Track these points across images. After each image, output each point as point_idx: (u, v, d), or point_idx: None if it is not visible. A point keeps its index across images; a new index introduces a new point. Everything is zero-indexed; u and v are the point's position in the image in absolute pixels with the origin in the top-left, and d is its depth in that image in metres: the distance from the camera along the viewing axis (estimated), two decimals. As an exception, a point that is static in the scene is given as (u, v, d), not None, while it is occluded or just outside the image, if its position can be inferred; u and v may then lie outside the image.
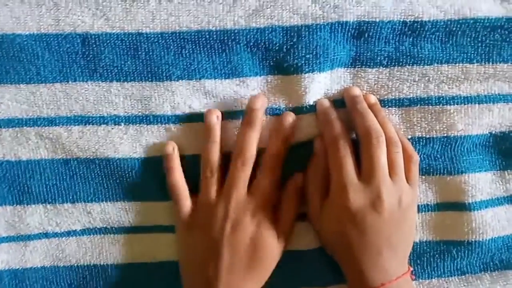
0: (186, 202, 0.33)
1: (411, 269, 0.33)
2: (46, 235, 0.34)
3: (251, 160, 0.31)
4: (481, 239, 0.35)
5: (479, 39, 0.33)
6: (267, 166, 0.32)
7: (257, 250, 0.31)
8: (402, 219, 0.31)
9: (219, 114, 0.33)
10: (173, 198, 0.33)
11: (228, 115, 0.33)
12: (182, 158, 0.33)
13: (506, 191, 0.36)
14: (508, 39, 0.33)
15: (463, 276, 0.36)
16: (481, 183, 0.35)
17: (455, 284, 0.36)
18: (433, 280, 0.36)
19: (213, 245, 0.31)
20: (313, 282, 0.36)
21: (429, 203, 0.35)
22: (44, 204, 0.34)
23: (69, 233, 0.34)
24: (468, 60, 0.33)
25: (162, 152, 0.33)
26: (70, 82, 0.32)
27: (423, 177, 0.35)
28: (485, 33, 0.33)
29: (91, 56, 0.32)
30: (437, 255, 0.36)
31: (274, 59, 0.32)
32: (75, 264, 0.35)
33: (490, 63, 0.33)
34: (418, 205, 0.35)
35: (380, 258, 0.31)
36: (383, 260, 0.31)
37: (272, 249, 0.32)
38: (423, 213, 0.36)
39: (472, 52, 0.33)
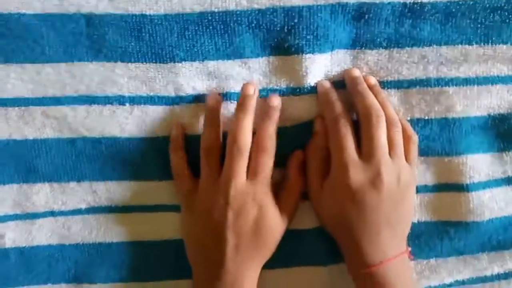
0: (188, 183, 0.33)
1: (409, 249, 0.34)
2: (52, 213, 0.35)
3: (246, 146, 0.31)
4: (478, 220, 0.36)
5: (479, 21, 0.33)
6: (260, 147, 0.32)
7: (261, 232, 0.31)
8: (401, 197, 0.32)
9: (220, 98, 0.33)
10: (175, 179, 0.34)
11: (230, 96, 0.34)
12: (185, 138, 0.34)
13: (504, 172, 0.36)
14: (507, 21, 0.33)
15: (460, 257, 0.37)
16: (479, 164, 0.35)
17: (453, 264, 0.37)
18: (431, 260, 0.37)
19: (217, 230, 0.31)
20: (313, 261, 0.36)
21: (427, 184, 0.36)
22: (50, 183, 0.34)
23: (74, 212, 0.35)
24: (468, 41, 0.33)
25: (166, 132, 0.34)
26: (75, 62, 0.32)
27: (422, 158, 0.35)
28: (485, 14, 0.33)
29: (95, 36, 0.32)
30: (435, 236, 0.36)
31: (275, 40, 0.33)
32: (81, 242, 0.35)
33: (490, 45, 0.33)
34: (417, 186, 0.35)
35: (379, 236, 0.31)
36: (382, 238, 0.31)
37: (276, 229, 0.32)
38: (422, 193, 0.36)
39: (472, 33, 0.33)
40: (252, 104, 0.32)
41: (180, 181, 0.34)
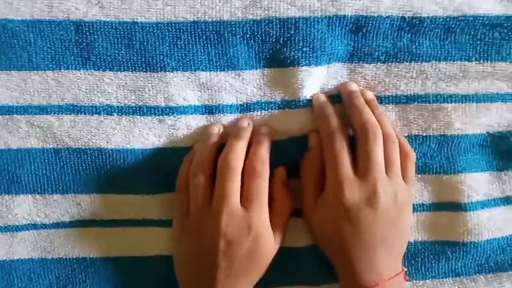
0: (185, 200, 0.32)
1: (405, 269, 0.33)
2: (34, 226, 0.34)
3: (238, 167, 0.30)
4: (476, 240, 0.35)
5: (478, 37, 0.33)
6: (252, 172, 0.30)
7: (253, 257, 0.30)
8: (397, 216, 0.31)
9: (221, 128, 0.33)
10: (177, 191, 0.33)
11: (222, 108, 0.33)
12: (175, 151, 0.33)
13: (503, 192, 0.36)
14: (507, 38, 0.33)
15: (457, 278, 0.36)
16: (478, 183, 0.35)
17: (449, 286, 0.36)
18: (427, 281, 0.36)
19: (208, 255, 0.30)
20: (307, 280, 0.35)
21: (424, 203, 0.35)
22: (33, 194, 0.33)
23: (58, 225, 0.34)
24: (467, 58, 0.33)
25: (155, 144, 0.33)
26: (62, 70, 0.31)
27: (419, 176, 0.35)
28: (484, 31, 0.32)
29: (84, 44, 0.31)
30: (431, 256, 0.36)
31: (271, 51, 0.32)
32: (64, 257, 0.34)
33: (489, 62, 0.33)
34: (413, 205, 0.35)
35: (374, 256, 0.30)
36: (378, 258, 0.30)
37: (269, 252, 0.31)
38: (418, 212, 0.35)
39: (471, 50, 0.33)
40: (247, 134, 0.32)
41: (181, 195, 0.32)
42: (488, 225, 0.35)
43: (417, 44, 0.33)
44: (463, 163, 0.34)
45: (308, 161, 0.33)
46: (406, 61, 0.33)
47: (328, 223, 0.31)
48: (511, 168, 0.35)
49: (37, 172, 0.33)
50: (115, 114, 0.32)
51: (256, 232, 0.30)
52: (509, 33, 0.33)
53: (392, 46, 0.33)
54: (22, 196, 0.33)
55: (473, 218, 0.35)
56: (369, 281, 0.30)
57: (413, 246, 0.35)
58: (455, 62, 0.33)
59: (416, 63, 0.33)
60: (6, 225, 0.34)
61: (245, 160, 0.31)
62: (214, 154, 0.32)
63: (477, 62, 0.33)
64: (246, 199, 0.30)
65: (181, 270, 0.32)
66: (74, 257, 0.34)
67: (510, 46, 0.33)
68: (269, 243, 0.31)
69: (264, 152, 0.31)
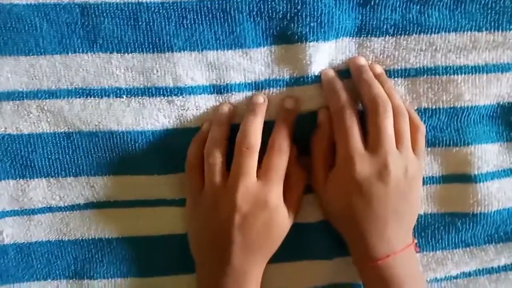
0: (198, 178, 0.32)
1: (416, 241, 0.33)
2: (50, 209, 0.34)
3: (256, 144, 0.31)
4: (486, 211, 0.35)
5: (489, 6, 0.32)
6: (275, 148, 0.31)
7: (268, 232, 0.31)
8: (408, 189, 0.31)
9: (231, 106, 0.33)
10: (187, 171, 0.33)
11: (231, 87, 0.33)
12: (182, 131, 0.33)
13: (513, 162, 0.36)
14: (518, 6, 0.32)
15: (467, 248, 0.36)
16: (488, 154, 0.35)
17: (459, 256, 0.36)
18: (437, 252, 0.36)
19: (223, 231, 0.31)
20: (318, 254, 0.36)
21: (434, 175, 0.35)
22: (47, 178, 0.34)
23: (73, 207, 0.34)
24: (477, 28, 0.32)
25: (164, 125, 0.33)
26: (69, 54, 0.31)
27: (429, 148, 0.35)
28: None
29: (90, 26, 0.31)
30: (441, 228, 0.36)
31: (278, 28, 0.32)
32: (80, 238, 0.35)
33: (500, 31, 0.32)
34: (424, 177, 0.35)
35: (385, 229, 0.31)
36: (389, 231, 0.31)
37: (283, 227, 0.32)
38: (429, 185, 0.35)
39: (481, 19, 0.32)
40: (263, 109, 0.32)
41: (191, 174, 0.33)
42: (497, 196, 0.35)
43: (426, 15, 0.32)
44: (473, 134, 0.34)
45: (318, 137, 0.33)
46: (415, 34, 0.32)
47: (340, 198, 0.31)
48: (521, 139, 0.35)
49: (49, 156, 0.33)
50: (124, 96, 0.32)
51: (271, 207, 0.30)
52: (521, 1, 0.32)
53: (400, 18, 0.32)
54: (37, 180, 0.34)
55: (483, 189, 0.35)
56: (381, 253, 0.31)
57: (423, 219, 0.36)
58: (465, 32, 0.32)
59: (425, 35, 0.32)
60: (22, 209, 0.34)
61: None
62: (227, 132, 0.32)
63: (487, 32, 0.32)
64: (265, 173, 0.31)
65: (196, 246, 0.33)
66: (90, 238, 0.35)
67: (521, 14, 0.32)
68: (284, 218, 0.31)
69: (288, 129, 0.32)
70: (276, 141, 0.31)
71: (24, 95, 0.32)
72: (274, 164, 0.31)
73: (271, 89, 0.33)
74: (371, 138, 0.30)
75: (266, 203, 0.30)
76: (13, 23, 0.31)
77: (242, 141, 0.31)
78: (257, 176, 0.31)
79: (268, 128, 0.32)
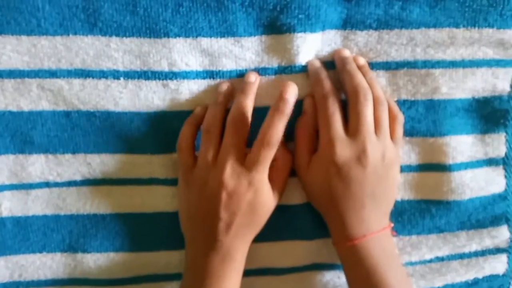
0: (189, 158, 0.34)
1: (392, 225, 0.35)
2: (47, 184, 0.36)
3: (245, 126, 0.32)
4: (459, 199, 0.37)
5: (467, 4, 0.34)
6: (265, 142, 0.31)
7: (253, 211, 0.32)
8: (385, 174, 0.33)
9: (229, 84, 0.34)
10: (178, 151, 0.34)
11: (223, 74, 0.34)
12: (175, 114, 0.35)
13: (486, 154, 0.37)
14: (494, 5, 0.34)
15: (441, 234, 0.38)
16: (462, 145, 0.37)
17: (433, 241, 0.38)
18: (413, 236, 0.38)
19: (211, 207, 0.32)
20: (300, 235, 0.37)
21: (411, 164, 0.37)
22: (45, 154, 0.35)
23: (69, 183, 0.36)
24: (455, 24, 0.34)
25: (159, 107, 0.34)
26: (70, 35, 0.33)
27: (407, 138, 0.36)
28: (473, -2, 0.34)
29: (91, 10, 0.32)
30: (417, 213, 0.38)
31: (268, 18, 0.33)
32: (75, 213, 0.36)
33: (476, 28, 0.34)
34: (401, 165, 0.37)
35: (363, 210, 0.32)
36: (366, 213, 0.33)
37: (268, 207, 0.33)
38: (406, 173, 0.37)
39: (459, 17, 0.34)
40: (254, 89, 0.33)
41: (182, 154, 0.34)
42: (471, 185, 0.37)
43: (408, 11, 0.34)
44: (449, 126, 0.36)
45: (302, 123, 0.34)
46: (397, 28, 0.34)
47: (321, 180, 0.33)
48: (494, 131, 0.37)
49: (48, 133, 0.34)
50: (121, 78, 0.34)
51: (256, 188, 0.32)
52: (497, 0, 0.34)
53: (383, 13, 0.34)
54: (35, 155, 0.35)
55: (457, 178, 0.37)
56: (358, 233, 0.32)
57: (400, 204, 0.37)
58: (444, 28, 0.34)
59: (406, 30, 0.34)
60: (21, 183, 0.35)
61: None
62: (224, 111, 0.33)
63: (464, 28, 0.34)
64: (252, 162, 0.31)
65: (186, 223, 0.35)
66: (85, 213, 0.36)
67: (497, 12, 0.34)
68: (268, 199, 0.33)
69: (281, 124, 0.31)
70: (267, 135, 0.31)
71: (25, 74, 0.33)
72: (262, 157, 0.31)
73: (261, 76, 0.35)
74: (352, 124, 0.32)
75: (252, 183, 0.31)
76: (16, 3, 0.32)
77: (231, 120, 0.32)
78: (245, 161, 0.31)
79: (257, 114, 0.33)
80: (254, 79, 0.33)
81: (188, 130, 0.34)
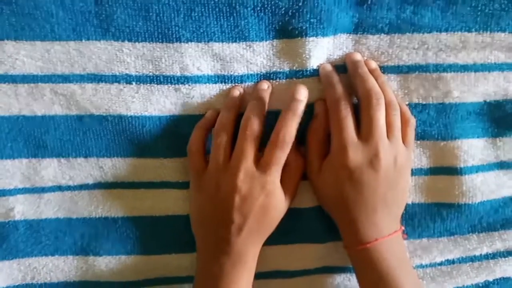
0: (200, 161, 0.34)
1: (403, 228, 0.35)
2: (60, 188, 0.36)
3: (258, 130, 0.32)
4: (470, 202, 0.37)
5: (479, 8, 0.34)
6: (279, 142, 0.31)
7: (265, 214, 0.32)
8: (397, 178, 0.33)
9: (242, 90, 0.34)
10: (188, 155, 0.34)
11: (234, 78, 0.35)
12: (186, 118, 0.35)
13: (497, 157, 0.37)
14: (506, 9, 0.34)
15: (451, 237, 0.38)
16: (473, 149, 0.37)
17: (444, 244, 0.38)
18: (424, 239, 0.38)
19: (223, 211, 0.32)
20: (311, 238, 0.38)
21: (422, 167, 0.37)
22: (58, 158, 0.35)
23: (81, 187, 0.36)
24: (467, 28, 0.34)
25: (171, 111, 0.35)
26: (83, 41, 0.33)
27: (418, 142, 0.36)
28: (485, 2, 0.33)
29: (103, 15, 0.33)
30: (428, 217, 0.38)
31: (280, 23, 0.33)
32: (87, 216, 0.37)
33: (488, 32, 0.34)
34: (412, 169, 0.37)
35: (375, 214, 0.33)
36: (377, 217, 0.33)
37: (280, 211, 0.34)
38: (417, 176, 0.37)
39: (471, 21, 0.34)
40: (266, 96, 0.33)
41: (193, 158, 0.34)
42: (481, 188, 0.37)
43: (419, 15, 0.34)
44: (460, 130, 0.36)
45: (314, 127, 0.34)
46: (409, 32, 0.34)
47: (333, 185, 0.33)
48: (506, 135, 0.37)
49: (61, 137, 0.35)
50: (133, 83, 0.34)
51: (268, 191, 0.32)
52: (509, 4, 0.34)
53: (395, 17, 0.34)
54: (48, 159, 0.35)
55: (468, 182, 0.37)
56: (370, 237, 0.32)
57: (411, 208, 0.37)
58: (456, 32, 0.34)
59: (418, 34, 0.34)
60: (34, 187, 0.36)
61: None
62: (236, 116, 0.34)
63: (476, 32, 0.34)
64: (265, 164, 0.32)
65: (197, 226, 0.35)
66: (97, 216, 0.37)
67: (509, 17, 0.34)
68: (280, 202, 0.33)
69: (294, 124, 0.32)
70: (280, 134, 0.31)
71: (39, 79, 0.34)
72: (275, 158, 0.31)
73: (272, 81, 0.35)
74: (364, 128, 0.32)
75: (264, 187, 0.32)
76: (30, 9, 0.32)
77: (243, 126, 0.32)
78: (258, 164, 0.32)
79: (269, 118, 0.34)
80: (266, 86, 0.34)
81: (198, 134, 0.34)
